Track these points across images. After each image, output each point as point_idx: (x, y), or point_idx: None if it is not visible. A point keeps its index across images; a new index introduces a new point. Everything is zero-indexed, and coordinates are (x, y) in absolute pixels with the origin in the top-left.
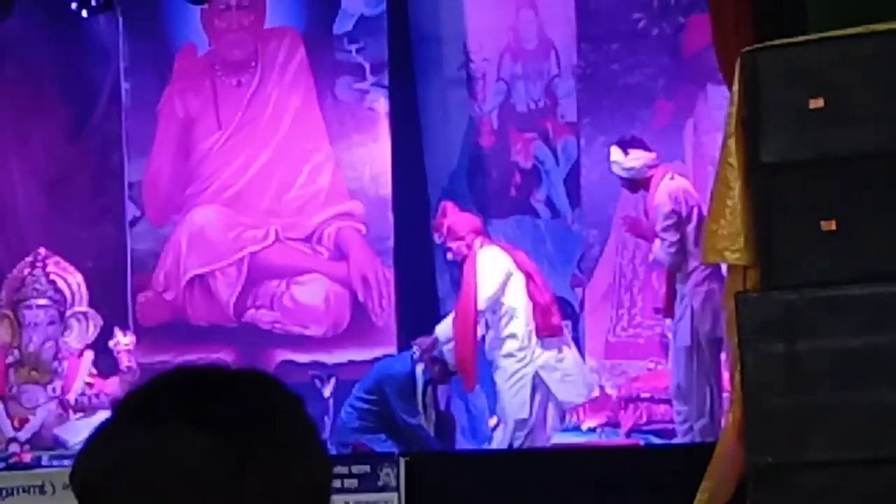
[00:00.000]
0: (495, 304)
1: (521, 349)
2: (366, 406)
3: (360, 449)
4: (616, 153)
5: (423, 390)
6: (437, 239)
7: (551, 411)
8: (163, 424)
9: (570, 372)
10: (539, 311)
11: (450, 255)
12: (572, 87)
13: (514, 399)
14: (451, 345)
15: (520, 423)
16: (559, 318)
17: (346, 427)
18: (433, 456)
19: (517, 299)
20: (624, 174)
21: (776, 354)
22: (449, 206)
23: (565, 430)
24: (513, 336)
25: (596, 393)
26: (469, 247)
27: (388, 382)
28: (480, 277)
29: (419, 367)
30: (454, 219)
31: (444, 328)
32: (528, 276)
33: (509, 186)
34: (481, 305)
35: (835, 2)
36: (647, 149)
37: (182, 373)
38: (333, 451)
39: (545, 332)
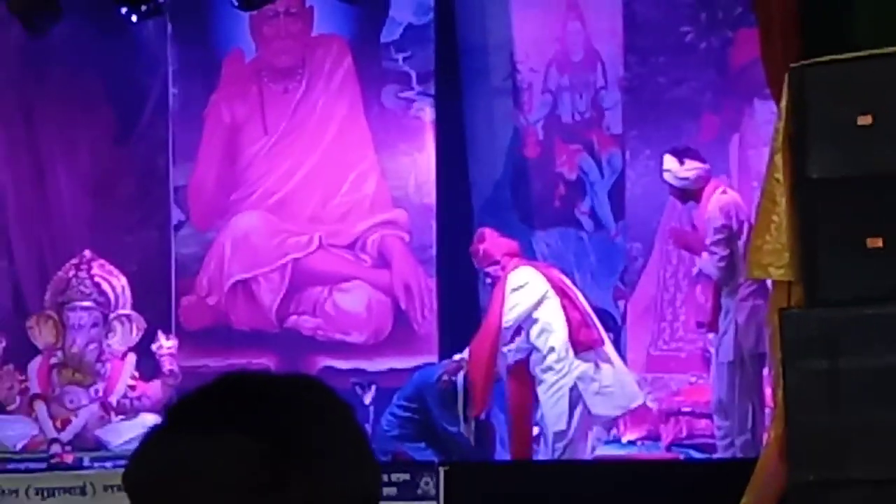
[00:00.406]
0: (528, 321)
1: (559, 361)
2: (406, 414)
3: (400, 457)
4: (670, 161)
5: (464, 399)
6: (475, 264)
7: (595, 424)
8: (209, 431)
9: (607, 384)
10: (574, 327)
11: (488, 280)
12: (618, 99)
13: (553, 411)
14: None
15: (558, 435)
16: (596, 331)
17: (387, 435)
18: (472, 465)
19: (553, 315)
20: (677, 184)
21: (819, 371)
22: (487, 231)
23: (605, 442)
24: (552, 350)
25: (638, 402)
26: (504, 268)
27: (429, 390)
28: (507, 298)
29: (460, 376)
30: (490, 243)
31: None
32: (562, 293)
33: (553, 198)
34: (506, 324)
35: (884, 18)
36: (701, 160)
37: (232, 379)
38: None
39: (582, 347)
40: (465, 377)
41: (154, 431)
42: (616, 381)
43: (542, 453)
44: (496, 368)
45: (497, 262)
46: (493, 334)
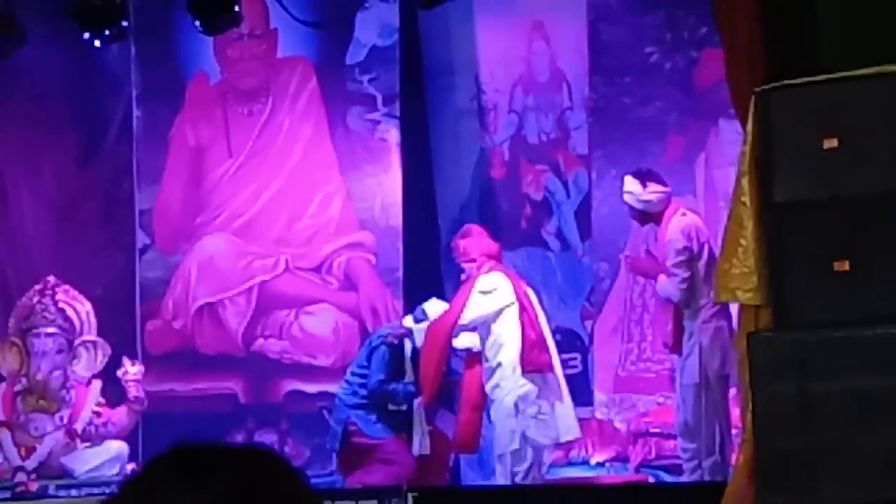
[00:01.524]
0: (484, 329)
1: (504, 378)
2: (360, 380)
3: (351, 427)
4: (632, 184)
5: (412, 356)
6: (455, 257)
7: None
8: (163, 494)
9: (545, 411)
10: (526, 346)
11: (463, 276)
12: (584, 119)
13: (504, 429)
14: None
15: (514, 455)
16: (548, 356)
17: (343, 404)
18: (441, 490)
19: (509, 330)
20: (638, 206)
21: (788, 395)
22: (474, 228)
23: (573, 464)
24: (500, 365)
25: (571, 437)
26: (479, 268)
27: (374, 352)
28: (471, 297)
29: (407, 344)
30: (470, 240)
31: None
32: (523, 309)
33: (520, 218)
34: (462, 321)
35: (848, 41)
36: (663, 183)
37: (181, 450)
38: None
39: (530, 367)
40: (413, 351)
41: None
42: (554, 411)
43: (503, 474)
44: (445, 360)
45: (473, 261)
46: (448, 328)
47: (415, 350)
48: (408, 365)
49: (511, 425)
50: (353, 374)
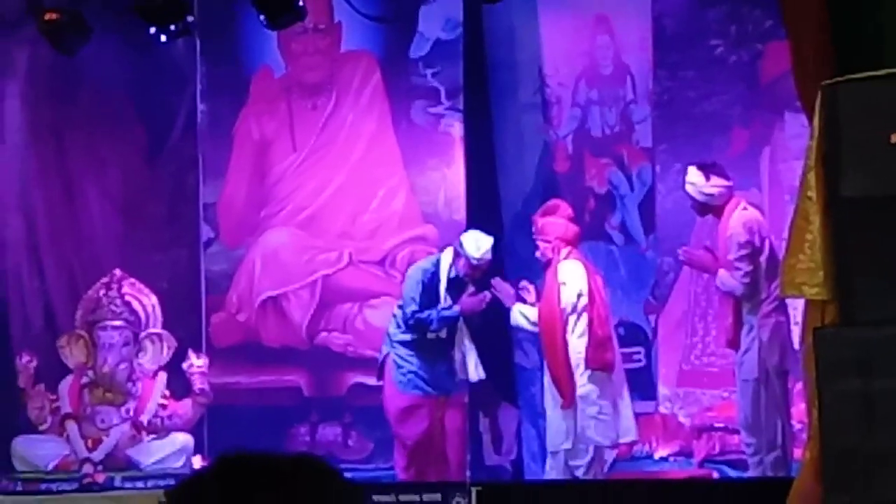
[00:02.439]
0: None
1: None
2: (400, 312)
3: (387, 364)
4: (695, 175)
5: (448, 284)
6: (533, 233)
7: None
8: None
9: (605, 412)
10: (593, 342)
11: (537, 254)
12: (648, 113)
13: (560, 428)
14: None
15: (570, 452)
16: (613, 354)
17: (388, 338)
18: (505, 485)
19: (576, 325)
20: (699, 198)
21: (854, 391)
22: (561, 205)
23: (637, 458)
24: None
25: (629, 439)
26: (555, 251)
27: (415, 275)
28: (563, 287)
29: (445, 259)
30: (551, 220)
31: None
32: (592, 303)
33: (583, 212)
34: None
35: None
36: (726, 177)
37: (230, 464)
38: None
39: (594, 365)
40: (450, 280)
41: None
42: (614, 412)
43: (556, 468)
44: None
45: (548, 242)
46: (559, 320)
47: (452, 279)
48: (443, 292)
49: (569, 424)
50: (398, 306)
